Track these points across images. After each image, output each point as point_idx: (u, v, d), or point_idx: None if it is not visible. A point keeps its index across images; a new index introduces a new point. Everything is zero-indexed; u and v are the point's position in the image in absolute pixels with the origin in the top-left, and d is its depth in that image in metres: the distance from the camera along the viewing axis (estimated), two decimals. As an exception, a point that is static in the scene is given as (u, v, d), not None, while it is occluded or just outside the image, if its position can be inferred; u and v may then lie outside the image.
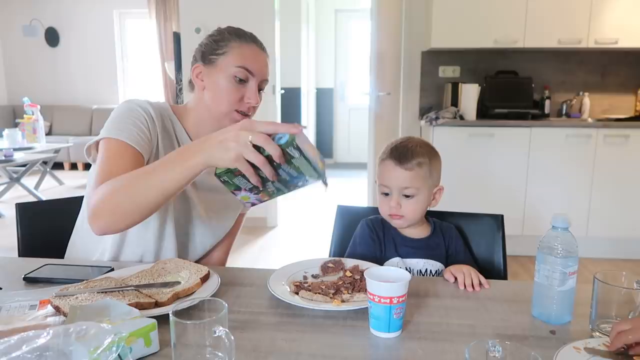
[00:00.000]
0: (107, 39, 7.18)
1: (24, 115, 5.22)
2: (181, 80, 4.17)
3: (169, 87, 6.99)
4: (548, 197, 3.46)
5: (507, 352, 0.61)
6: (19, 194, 5.06)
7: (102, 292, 0.91)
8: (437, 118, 3.48)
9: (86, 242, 1.26)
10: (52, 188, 5.72)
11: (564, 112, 3.88)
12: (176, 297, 0.93)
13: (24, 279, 1.05)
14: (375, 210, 1.34)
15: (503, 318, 0.92)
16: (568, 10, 3.49)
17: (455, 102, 3.73)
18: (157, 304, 0.90)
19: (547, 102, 3.83)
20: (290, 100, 5.77)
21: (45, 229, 1.43)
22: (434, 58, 3.96)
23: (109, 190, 0.96)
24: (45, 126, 5.68)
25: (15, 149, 4.67)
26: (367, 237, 1.26)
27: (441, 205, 1.31)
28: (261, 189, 0.89)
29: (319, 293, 0.96)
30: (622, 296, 0.85)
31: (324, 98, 7.51)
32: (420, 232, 1.29)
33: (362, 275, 1.03)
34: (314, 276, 1.08)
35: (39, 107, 5.21)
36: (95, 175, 1.04)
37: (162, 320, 0.77)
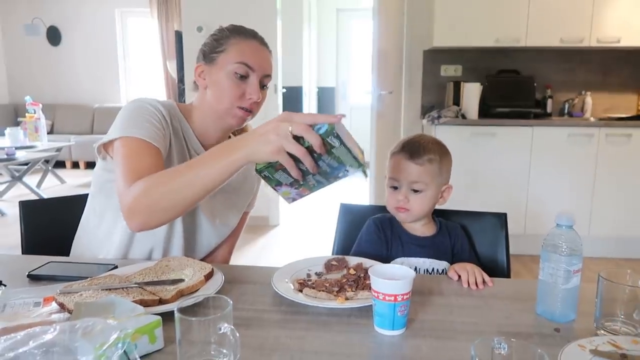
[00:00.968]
0: (109, 38, 7.19)
1: (26, 114, 5.22)
2: (183, 79, 4.17)
3: (171, 86, 7.00)
4: (550, 196, 3.45)
5: (513, 349, 0.61)
6: (21, 193, 5.07)
7: (106, 290, 0.91)
8: (439, 117, 3.47)
9: (92, 240, 1.26)
10: (54, 187, 5.73)
11: (566, 111, 3.88)
12: (180, 294, 0.93)
13: (28, 276, 1.05)
14: (378, 209, 1.34)
15: (507, 316, 0.92)
16: (570, 9, 3.49)
17: (457, 101, 3.73)
18: (161, 302, 0.90)
19: (549, 101, 3.83)
20: (292, 100, 5.76)
21: (49, 226, 1.43)
22: (435, 57, 3.96)
23: (147, 187, 0.96)
24: (47, 125, 5.69)
25: (17, 148, 4.67)
26: (373, 235, 1.26)
27: (445, 204, 1.31)
28: (302, 182, 0.89)
29: (323, 291, 0.96)
30: (626, 294, 0.85)
31: (325, 97, 7.51)
32: (426, 230, 1.29)
33: (366, 272, 1.03)
34: (317, 274, 1.08)
35: (40, 105, 5.22)
36: (121, 174, 1.03)
37: (166, 317, 0.77)
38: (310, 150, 0.83)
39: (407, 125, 4.07)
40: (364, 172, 0.89)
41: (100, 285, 0.93)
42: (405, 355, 0.79)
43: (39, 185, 5.39)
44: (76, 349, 0.61)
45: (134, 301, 0.84)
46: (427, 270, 1.23)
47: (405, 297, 0.83)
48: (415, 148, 1.23)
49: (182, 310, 0.70)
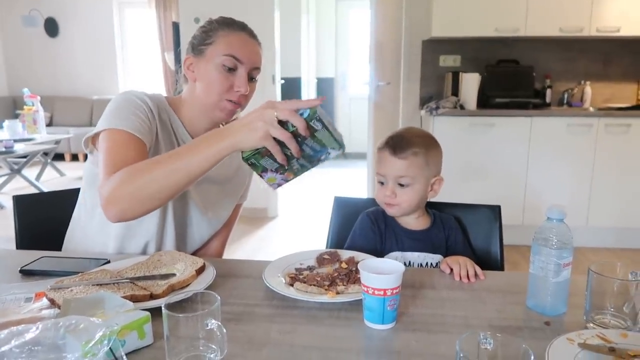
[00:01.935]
0: (106, 29, 7.15)
1: (24, 107, 5.21)
2: (181, 70, 4.15)
3: (168, 77, 6.97)
4: (548, 186, 3.45)
5: (499, 344, 0.61)
6: (20, 185, 5.07)
7: (97, 285, 0.91)
8: (437, 108, 3.46)
9: (85, 235, 1.26)
10: (53, 179, 5.73)
11: (565, 101, 3.86)
12: (171, 289, 0.93)
13: (20, 271, 1.05)
14: (372, 202, 1.34)
15: (498, 309, 0.92)
16: (570, -2, 3.46)
17: (455, 92, 3.71)
18: (152, 296, 0.91)
19: (548, 91, 3.81)
20: (291, 90, 5.74)
21: (44, 220, 1.43)
22: (434, 47, 3.93)
23: (126, 176, 0.95)
24: (45, 117, 5.68)
25: (15, 140, 4.67)
26: (367, 229, 1.26)
27: (441, 196, 1.30)
28: (287, 167, 0.92)
29: (314, 285, 0.96)
30: (616, 287, 0.84)
31: (324, 88, 7.48)
32: (420, 223, 1.28)
33: (357, 266, 1.03)
34: (309, 268, 1.08)
35: (39, 98, 5.21)
36: (103, 166, 1.03)
37: (158, 312, 0.77)
38: (294, 134, 0.86)
39: (405, 116, 4.06)
40: (343, 150, 0.93)
41: (91, 280, 0.93)
42: (395, 349, 0.79)
43: (37, 178, 5.39)
44: (63, 345, 0.61)
45: (124, 297, 0.84)
46: (421, 264, 1.23)
47: (394, 291, 0.83)
48: (398, 143, 1.22)
49: (170, 307, 0.70)
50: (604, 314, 0.85)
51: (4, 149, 4.46)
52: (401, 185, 1.21)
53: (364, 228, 1.27)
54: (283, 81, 4.74)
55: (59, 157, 6.52)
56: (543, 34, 3.56)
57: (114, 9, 7.12)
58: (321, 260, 1.10)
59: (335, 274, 1.01)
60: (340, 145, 0.91)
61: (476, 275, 1.06)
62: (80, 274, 0.97)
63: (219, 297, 0.72)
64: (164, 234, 1.24)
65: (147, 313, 0.77)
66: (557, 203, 0.89)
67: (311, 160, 0.93)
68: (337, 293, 0.94)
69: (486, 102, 3.62)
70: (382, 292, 0.82)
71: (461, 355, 0.57)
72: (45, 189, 4.66)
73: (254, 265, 1.12)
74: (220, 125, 1.30)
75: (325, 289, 0.95)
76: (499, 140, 3.45)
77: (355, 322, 0.86)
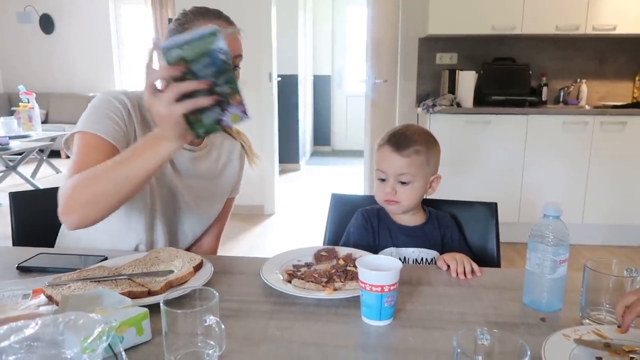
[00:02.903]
0: (102, 26, 7.12)
1: (20, 104, 5.18)
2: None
3: (165, 75, 6.94)
4: (544, 184, 3.46)
5: (495, 339, 0.61)
6: (16, 182, 5.05)
7: (94, 281, 0.91)
8: (434, 105, 3.47)
9: (78, 234, 1.25)
10: (49, 176, 5.71)
11: (561, 99, 3.87)
12: (169, 285, 0.94)
13: (18, 268, 1.05)
14: (370, 199, 1.34)
15: (494, 306, 0.93)
16: (566, -4, 3.47)
17: (452, 89, 3.71)
18: (150, 293, 0.91)
19: (544, 89, 3.82)
20: (287, 88, 5.73)
21: (40, 217, 1.42)
22: (431, 45, 3.94)
23: (78, 184, 0.96)
24: (41, 114, 5.65)
25: (11, 137, 4.64)
26: (360, 227, 1.27)
27: (438, 193, 1.31)
28: (222, 99, 0.86)
29: (312, 281, 0.97)
30: (612, 284, 0.85)
31: (321, 85, 7.48)
32: (415, 219, 1.29)
33: (355, 263, 1.03)
34: (307, 264, 1.08)
35: (34, 95, 5.18)
36: (68, 169, 1.03)
37: (156, 309, 0.77)
38: (182, 79, 0.83)
39: (402, 114, 4.07)
40: (218, 33, 0.82)
41: (89, 276, 0.93)
42: (392, 345, 0.79)
43: (33, 175, 5.37)
44: (62, 341, 0.61)
45: (122, 293, 0.84)
46: (417, 260, 1.24)
47: (392, 288, 0.83)
48: (401, 140, 1.22)
49: (169, 303, 0.70)
50: (599, 310, 0.86)
51: (-1, 146, 4.44)
52: (402, 182, 1.21)
53: (357, 226, 1.28)
54: (280, 78, 4.74)
55: (55, 154, 6.49)
56: (539, 32, 3.57)
57: (110, 6, 7.08)
58: (319, 257, 1.11)
59: (333, 271, 1.02)
60: (212, 33, 0.81)
61: (473, 272, 1.07)
62: (77, 270, 0.97)
63: (217, 294, 0.73)
64: (154, 235, 1.24)
65: (145, 309, 0.77)
66: (553, 200, 0.89)
67: (220, 72, 0.84)
68: (335, 289, 0.94)
69: (482, 99, 3.63)
70: (379, 289, 0.82)
71: (458, 351, 0.58)
72: (41, 186, 4.64)
73: (251, 262, 1.12)
74: None
75: (323, 286, 0.95)
76: (495, 137, 3.46)
77: (353, 318, 0.86)
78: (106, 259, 1.09)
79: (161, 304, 0.69)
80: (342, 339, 0.80)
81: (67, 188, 0.97)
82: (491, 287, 1.01)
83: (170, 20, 4.42)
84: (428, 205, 1.35)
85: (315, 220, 3.95)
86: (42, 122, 5.69)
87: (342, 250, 1.14)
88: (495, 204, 1.38)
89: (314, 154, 7.46)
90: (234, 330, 0.81)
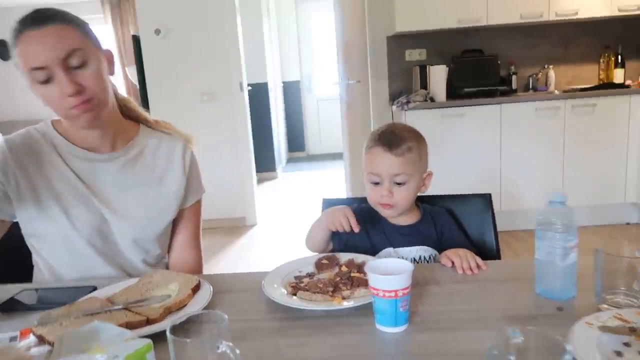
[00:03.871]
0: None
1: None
2: (145, 84, 4.05)
3: (132, 93, 6.80)
4: (523, 171, 3.50)
5: (529, 337, 0.58)
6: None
7: (88, 315, 0.85)
8: (408, 102, 3.47)
9: (50, 269, 1.19)
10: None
11: (530, 86, 3.93)
12: (168, 311, 0.88)
13: None
14: (363, 201, 1.31)
15: (507, 299, 0.90)
16: (527, -16, 3.52)
17: (424, 85, 3.73)
18: (148, 322, 0.85)
19: (513, 77, 3.87)
20: (258, 96, 5.68)
21: (3, 252, 1.32)
22: (399, 42, 3.94)
23: None
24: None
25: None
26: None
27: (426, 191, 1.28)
28: None
29: (318, 292, 0.93)
30: (624, 266, 0.84)
31: (291, 91, 7.44)
32: (409, 218, 1.26)
33: (360, 268, 1.00)
34: (308, 275, 1.04)
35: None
36: None
37: (157, 338, 0.72)
38: None
39: (377, 113, 4.06)
40: None
41: (81, 311, 0.87)
42: (414, 352, 0.76)
43: None
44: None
45: (119, 325, 0.78)
46: (415, 260, 1.21)
47: (405, 291, 0.80)
48: (392, 139, 1.18)
49: (174, 331, 0.65)
50: (615, 294, 0.84)
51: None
52: (397, 183, 1.18)
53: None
54: (250, 87, 4.68)
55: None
56: (504, 22, 3.61)
57: (68, 27, 6.89)
58: (320, 265, 1.07)
59: (338, 279, 0.98)
60: None
61: (478, 266, 1.04)
62: (67, 305, 0.90)
63: (226, 316, 0.68)
64: (88, 262, 1.15)
65: (149, 341, 0.71)
66: (556, 187, 0.87)
67: None
68: (344, 298, 0.90)
69: (455, 92, 3.65)
70: (393, 294, 0.79)
71: (494, 353, 0.54)
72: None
73: (248, 277, 1.08)
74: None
75: (330, 295, 0.91)
76: (470, 129, 3.48)
77: (367, 327, 0.82)
78: (96, 288, 1.03)
79: (168, 333, 0.64)
80: (360, 350, 0.77)
81: None
82: (500, 280, 0.99)
83: (134, 37, 4.33)
84: (421, 201, 1.32)
85: (299, 228, 3.90)
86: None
87: (343, 257, 1.10)
88: (489, 195, 1.37)
89: (289, 160, 7.41)
90: (244, 352, 0.76)
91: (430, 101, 3.55)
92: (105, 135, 1.17)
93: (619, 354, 0.67)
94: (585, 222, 3.55)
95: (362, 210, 1.26)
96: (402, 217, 1.25)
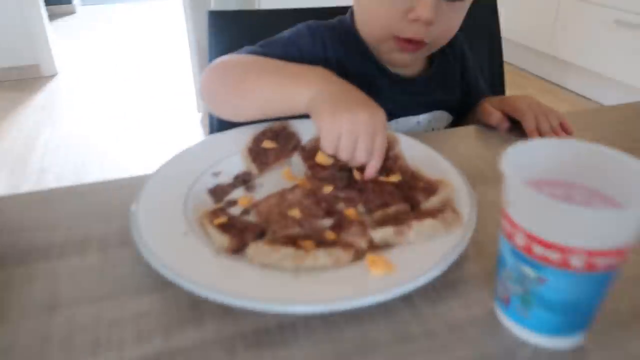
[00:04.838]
0: None
1: None
2: None
3: None
4: None
5: None
6: None
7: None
8: None
9: None
10: None
11: None
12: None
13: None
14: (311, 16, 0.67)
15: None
16: None
17: None
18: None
19: None
20: None
21: None
22: None
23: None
24: None
25: None
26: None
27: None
28: None
29: (306, 238, 0.35)
30: None
31: None
32: (418, 63, 0.68)
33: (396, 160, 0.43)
34: (244, 182, 0.44)
35: None
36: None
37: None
38: None
39: None
40: None
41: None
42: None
43: None
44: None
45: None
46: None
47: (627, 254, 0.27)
48: None
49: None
50: None
51: None
52: None
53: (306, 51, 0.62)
54: None
55: None
56: None
57: None
58: (263, 154, 0.46)
59: (327, 192, 0.40)
60: None
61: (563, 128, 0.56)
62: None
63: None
64: None
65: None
66: None
67: None
68: (372, 245, 0.35)
69: None
70: (610, 260, 0.26)
71: None
72: None
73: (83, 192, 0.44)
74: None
75: (347, 251, 0.34)
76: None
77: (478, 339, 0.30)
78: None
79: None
80: None
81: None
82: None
83: None
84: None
85: (123, 75, 3.00)
86: None
87: (305, 126, 0.51)
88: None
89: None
90: None
91: None
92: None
93: None
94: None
95: (332, 27, 0.65)
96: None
